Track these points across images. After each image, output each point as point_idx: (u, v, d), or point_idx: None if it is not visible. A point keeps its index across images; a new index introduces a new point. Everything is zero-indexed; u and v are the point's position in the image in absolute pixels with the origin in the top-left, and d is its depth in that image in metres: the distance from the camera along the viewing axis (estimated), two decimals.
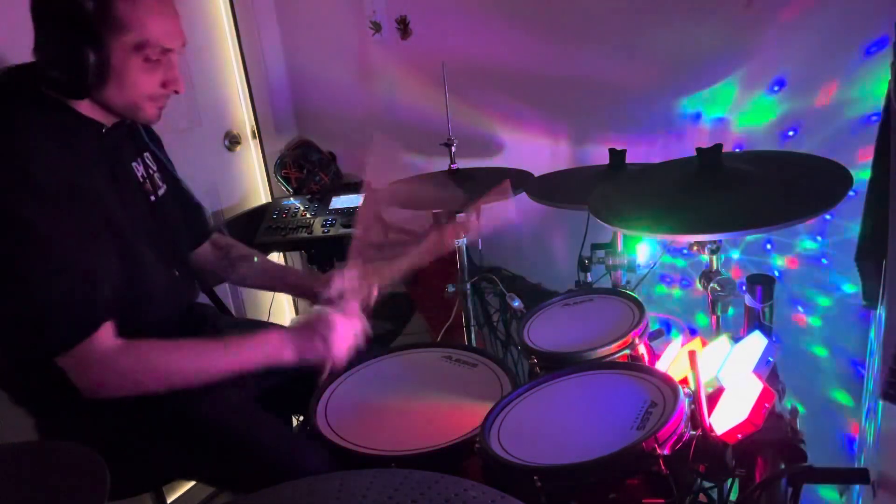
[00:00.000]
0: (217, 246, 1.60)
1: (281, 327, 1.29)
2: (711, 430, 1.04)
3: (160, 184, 1.39)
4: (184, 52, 1.25)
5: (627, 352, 1.31)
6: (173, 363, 1.20)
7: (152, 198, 1.35)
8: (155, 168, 1.39)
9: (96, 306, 1.13)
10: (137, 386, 1.16)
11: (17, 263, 1.08)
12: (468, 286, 1.96)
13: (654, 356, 1.38)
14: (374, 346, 1.47)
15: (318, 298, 1.47)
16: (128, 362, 1.15)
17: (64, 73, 1.12)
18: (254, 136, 2.52)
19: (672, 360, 1.33)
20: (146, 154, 1.38)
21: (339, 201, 2.29)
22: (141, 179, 1.33)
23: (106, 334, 1.13)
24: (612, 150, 1.75)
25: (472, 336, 2.01)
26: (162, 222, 1.36)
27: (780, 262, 1.81)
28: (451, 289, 1.94)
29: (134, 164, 1.33)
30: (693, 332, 1.98)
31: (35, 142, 1.11)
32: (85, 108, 1.20)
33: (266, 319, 2.44)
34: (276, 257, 2.52)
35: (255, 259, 1.61)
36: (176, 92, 1.24)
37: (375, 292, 1.45)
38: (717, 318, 1.40)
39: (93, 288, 1.12)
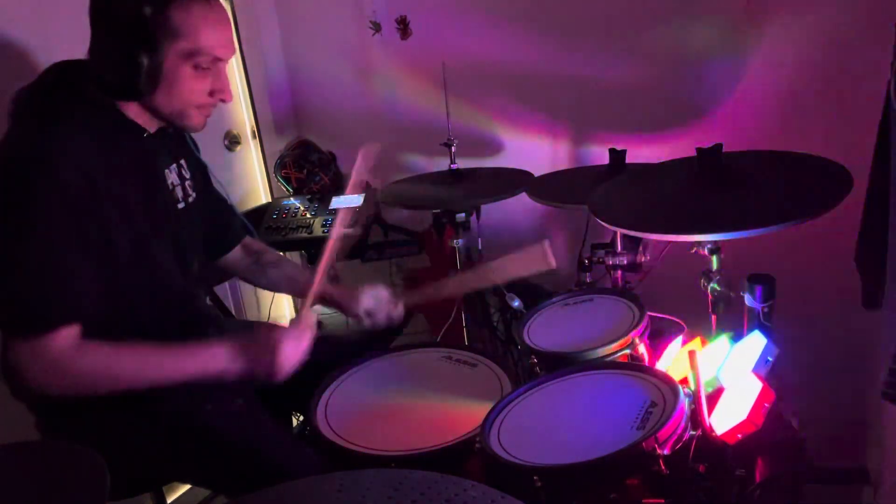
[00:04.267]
0: (248, 250, 1.60)
1: (232, 341, 1.25)
2: (711, 430, 1.04)
3: (190, 191, 1.38)
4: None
5: (627, 352, 1.31)
6: (123, 370, 1.19)
7: (180, 205, 1.34)
8: (189, 175, 1.39)
9: (66, 307, 1.13)
10: (87, 389, 1.16)
11: (9, 245, 1.10)
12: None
13: (654, 356, 1.38)
14: (374, 347, 1.47)
15: (346, 313, 1.50)
16: (80, 366, 1.15)
17: (117, 76, 1.14)
18: (254, 136, 2.52)
19: (672, 360, 1.33)
20: (182, 161, 1.38)
21: (339, 201, 2.29)
22: (171, 186, 1.33)
23: (67, 336, 1.13)
24: (612, 150, 1.75)
25: (472, 336, 2.01)
26: (185, 229, 1.35)
27: (781, 262, 1.80)
28: None
29: (167, 170, 1.33)
30: (693, 333, 1.97)
31: (72, 139, 1.13)
32: (131, 111, 1.21)
33: (266, 320, 2.44)
34: None
35: (283, 263, 1.62)
36: (223, 101, 1.25)
37: (402, 311, 1.47)
38: (717, 318, 1.40)
39: (69, 290, 1.13)
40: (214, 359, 1.23)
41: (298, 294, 1.68)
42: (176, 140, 1.38)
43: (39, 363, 1.12)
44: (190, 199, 1.38)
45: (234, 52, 1.24)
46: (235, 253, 1.58)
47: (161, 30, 1.13)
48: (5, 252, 1.11)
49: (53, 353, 1.12)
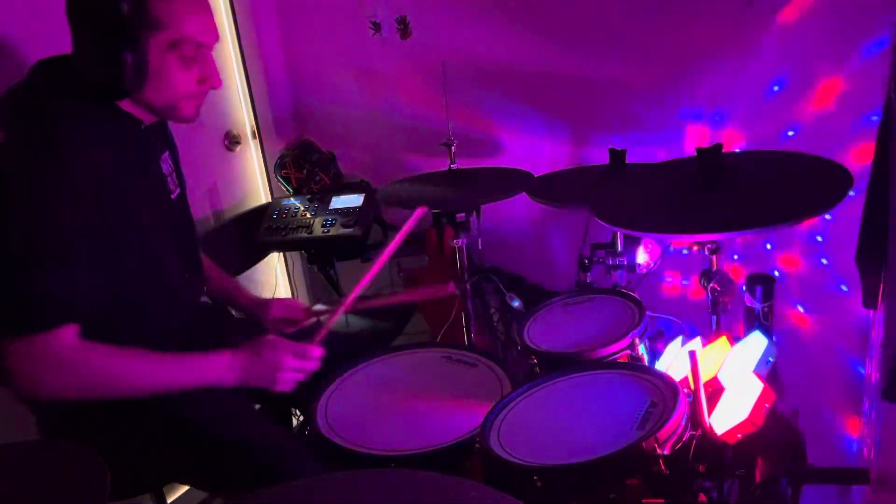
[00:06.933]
0: None
1: (235, 352, 1.25)
2: (711, 430, 1.04)
3: (177, 184, 1.39)
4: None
5: (627, 352, 1.31)
6: (121, 374, 1.17)
7: (172, 196, 1.35)
8: (172, 168, 1.40)
9: (66, 306, 1.11)
10: (82, 392, 1.14)
11: (12, 242, 1.08)
12: (468, 286, 1.96)
13: (654, 356, 1.38)
14: (374, 346, 1.47)
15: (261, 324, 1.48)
16: (78, 368, 1.12)
17: (103, 76, 1.12)
18: (254, 136, 2.52)
19: (672, 360, 1.33)
20: (168, 152, 1.38)
21: (339, 201, 2.29)
22: (165, 176, 1.34)
23: (67, 336, 1.10)
24: (612, 150, 1.75)
25: (472, 336, 2.01)
26: (179, 220, 1.36)
27: (780, 262, 1.81)
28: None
29: (160, 160, 1.33)
30: (693, 332, 1.97)
31: (78, 134, 1.12)
32: (126, 103, 1.20)
33: None
34: (276, 257, 2.52)
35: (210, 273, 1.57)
36: (213, 87, 1.24)
37: (326, 329, 1.37)
38: (717, 318, 1.40)
39: (71, 288, 1.11)
40: (215, 369, 1.24)
41: (220, 297, 1.63)
42: (163, 131, 1.37)
43: (34, 363, 1.09)
44: (178, 191, 1.38)
45: (218, 37, 1.22)
46: None
47: (142, 23, 1.11)
48: (8, 248, 1.08)
49: (51, 354, 1.09)
